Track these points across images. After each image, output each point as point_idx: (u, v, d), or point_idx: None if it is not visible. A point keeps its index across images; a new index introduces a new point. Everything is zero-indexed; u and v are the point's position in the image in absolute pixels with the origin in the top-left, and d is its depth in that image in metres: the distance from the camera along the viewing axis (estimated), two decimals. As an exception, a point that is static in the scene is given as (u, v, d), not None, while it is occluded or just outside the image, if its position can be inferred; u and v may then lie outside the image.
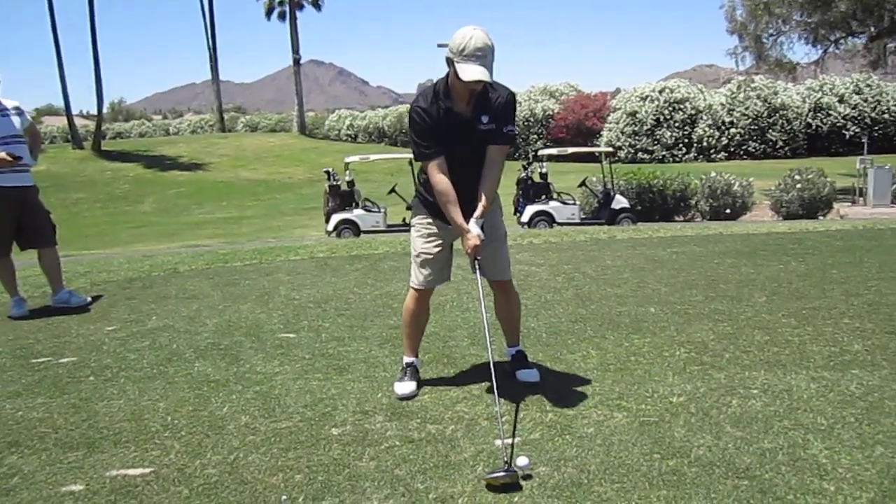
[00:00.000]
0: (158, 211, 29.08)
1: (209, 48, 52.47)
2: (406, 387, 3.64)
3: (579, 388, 3.58)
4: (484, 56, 3.24)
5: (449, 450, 2.99)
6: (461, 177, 3.43)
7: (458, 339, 4.54)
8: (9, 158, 5.48)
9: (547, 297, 5.60)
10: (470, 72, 3.22)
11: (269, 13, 50.73)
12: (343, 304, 5.63)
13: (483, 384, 3.70)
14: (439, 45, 3.52)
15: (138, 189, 33.02)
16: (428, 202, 3.61)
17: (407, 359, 3.83)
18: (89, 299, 6.10)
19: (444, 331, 4.72)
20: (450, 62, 3.30)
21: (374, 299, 5.78)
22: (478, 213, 3.42)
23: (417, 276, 3.69)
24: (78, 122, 49.07)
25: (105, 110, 53.36)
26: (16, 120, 5.73)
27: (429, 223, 3.65)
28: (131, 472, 2.94)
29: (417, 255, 3.67)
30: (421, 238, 3.67)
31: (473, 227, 3.39)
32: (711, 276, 6.10)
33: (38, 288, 6.57)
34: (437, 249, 3.64)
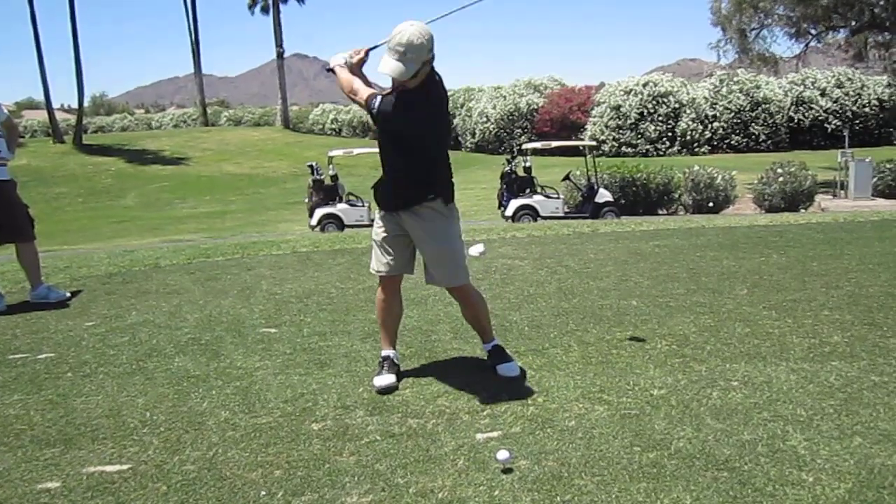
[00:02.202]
0: (141, 205, 28.83)
1: (192, 41, 52.02)
2: (383, 380, 3.63)
3: (561, 382, 3.58)
4: (403, 53, 3.30)
5: (430, 444, 2.98)
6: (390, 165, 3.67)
7: (439, 332, 4.53)
8: (-14, 152, 5.42)
9: (530, 290, 5.60)
10: (384, 64, 3.35)
11: (252, 6, 50.44)
12: (325, 299, 5.60)
13: (464, 378, 3.69)
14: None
15: (120, 183, 32.72)
16: (376, 191, 3.77)
17: (384, 352, 3.83)
18: (68, 294, 6.04)
19: (426, 325, 4.71)
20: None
21: (356, 294, 5.76)
22: None
23: (372, 262, 3.81)
24: (59, 115, 48.53)
25: (86, 104, 52.82)
26: (-8, 113, 5.66)
27: (378, 213, 3.79)
28: (108, 468, 2.90)
29: (372, 241, 3.80)
30: (375, 225, 3.80)
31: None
32: (693, 269, 6.13)
33: (17, 283, 6.49)
34: (383, 234, 3.71)
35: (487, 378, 3.69)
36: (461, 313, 3.93)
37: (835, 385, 3.41)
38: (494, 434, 3.04)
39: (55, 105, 45.15)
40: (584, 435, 2.98)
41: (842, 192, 19.55)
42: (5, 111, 5.89)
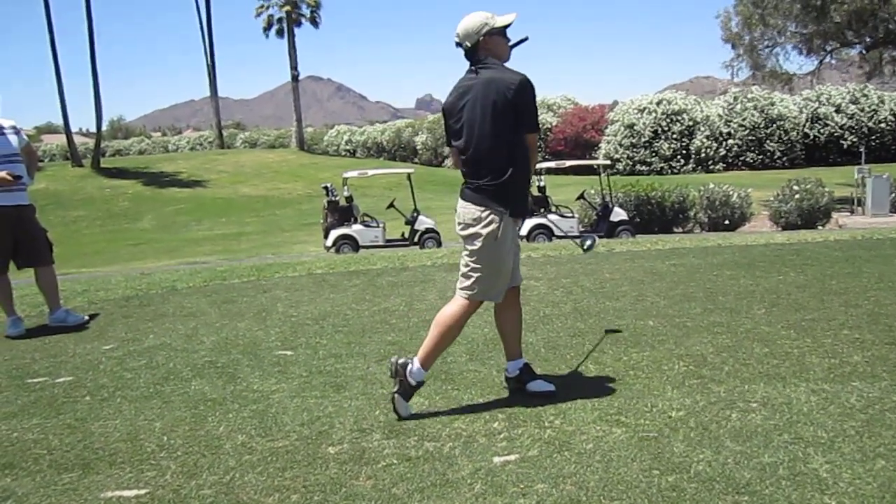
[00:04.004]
0: (157, 228, 29.10)
1: (208, 65, 52.70)
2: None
3: (578, 404, 3.56)
4: None
5: (447, 468, 2.96)
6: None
7: (455, 354, 4.52)
8: (9, 178, 5.49)
9: (545, 311, 5.58)
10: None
11: (267, 29, 50.91)
12: (341, 321, 5.61)
13: (481, 400, 3.68)
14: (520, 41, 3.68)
15: (137, 206, 33.05)
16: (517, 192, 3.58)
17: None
18: (86, 318, 6.09)
19: (442, 346, 4.69)
20: (498, 34, 3.57)
21: (371, 315, 5.76)
22: None
23: (496, 287, 3.61)
24: (77, 139, 49.18)
25: (104, 128, 53.55)
26: (13, 139, 5.74)
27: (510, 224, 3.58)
28: (126, 493, 2.91)
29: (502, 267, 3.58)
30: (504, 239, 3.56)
31: None
32: (710, 289, 6.09)
33: (36, 307, 6.55)
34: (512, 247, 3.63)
35: (504, 400, 3.67)
36: (502, 322, 3.84)
37: (856, 406, 3.37)
38: (512, 457, 3.02)
39: (73, 129, 45.88)
40: (602, 458, 2.96)
41: (859, 208, 19.43)
42: (25, 137, 5.98)
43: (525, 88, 3.45)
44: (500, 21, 3.55)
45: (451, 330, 3.59)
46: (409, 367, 3.55)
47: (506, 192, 3.49)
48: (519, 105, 3.44)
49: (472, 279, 3.55)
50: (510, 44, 3.63)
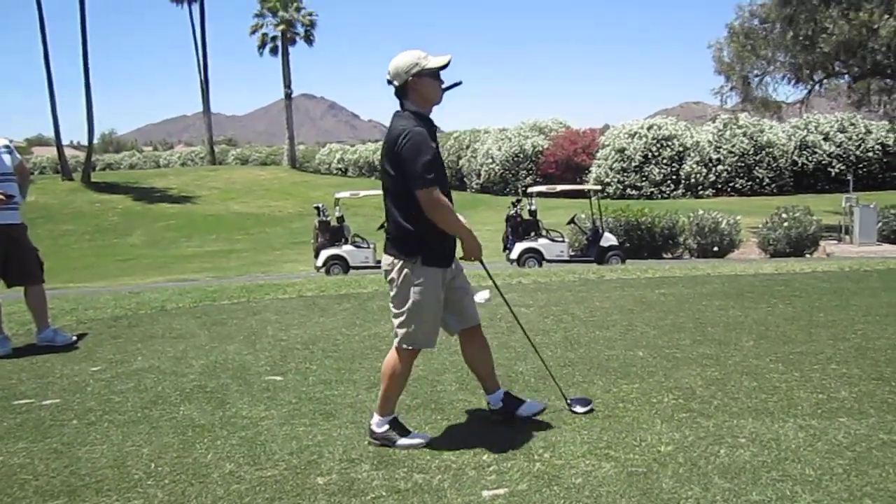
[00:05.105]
0: (147, 244, 28.97)
1: (201, 80, 52.80)
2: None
3: (567, 437, 3.56)
4: None
5: (436, 501, 2.96)
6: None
7: (445, 383, 4.52)
8: (1, 197, 5.49)
9: (535, 339, 5.57)
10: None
11: (261, 48, 51.11)
12: (331, 346, 5.60)
13: (470, 431, 3.69)
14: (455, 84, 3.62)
15: (127, 221, 32.92)
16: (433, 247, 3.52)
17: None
18: (74, 338, 6.05)
19: (432, 374, 4.70)
20: (430, 75, 3.48)
21: (361, 340, 5.76)
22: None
23: (422, 333, 3.59)
24: (68, 152, 49.00)
25: (95, 141, 53.39)
26: (6, 158, 5.75)
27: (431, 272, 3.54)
28: (113, 523, 2.89)
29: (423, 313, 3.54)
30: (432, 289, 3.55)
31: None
32: (699, 319, 6.12)
33: (23, 325, 6.51)
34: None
35: (493, 431, 3.68)
36: (471, 360, 3.86)
37: (843, 443, 3.39)
38: (501, 491, 3.02)
39: (65, 142, 45.63)
40: (591, 493, 2.96)
41: (847, 236, 19.57)
42: (18, 156, 5.97)
43: (403, 144, 3.35)
44: (433, 62, 3.46)
45: (397, 379, 3.61)
46: (372, 426, 3.60)
47: (411, 243, 3.47)
48: (400, 160, 3.38)
49: (397, 326, 3.57)
50: (443, 87, 3.54)
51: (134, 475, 3.32)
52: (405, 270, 3.48)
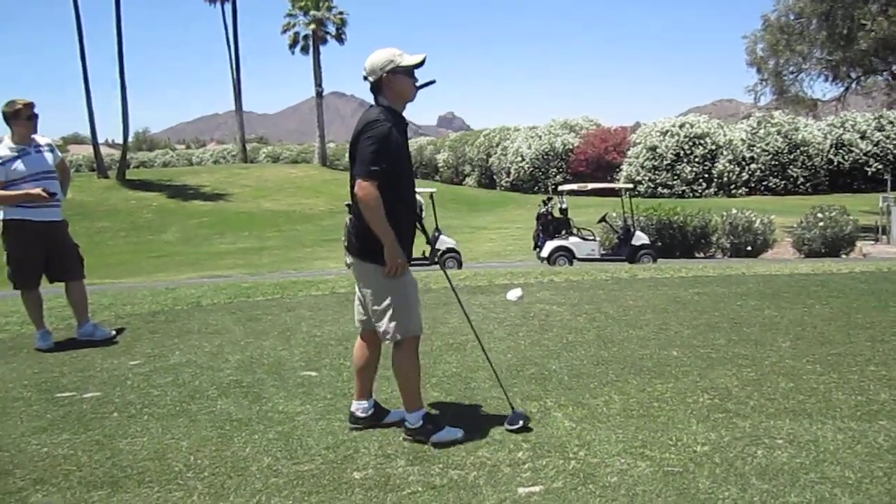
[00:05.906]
0: (181, 240, 29.38)
1: (233, 79, 53.38)
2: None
3: (602, 435, 3.56)
4: None
5: (471, 497, 2.97)
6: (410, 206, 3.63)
7: (479, 380, 4.53)
8: (45, 194, 5.61)
9: (569, 337, 5.58)
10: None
11: (292, 46, 51.43)
12: (364, 342, 5.63)
13: (504, 428, 3.69)
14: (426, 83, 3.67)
15: (161, 218, 33.40)
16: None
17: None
18: (113, 333, 6.16)
19: (466, 371, 4.72)
20: (404, 72, 3.54)
21: (395, 337, 5.78)
22: None
23: (418, 317, 3.68)
24: (103, 150, 49.77)
25: (130, 139, 54.18)
26: (49, 156, 5.87)
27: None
28: (155, 513, 2.95)
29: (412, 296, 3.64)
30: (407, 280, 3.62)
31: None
32: (734, 319, 6.07)
33: (63, 320, 6.64)
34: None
35: (527, 429, 3.68)
36: (368, 363, 3.85)
37: (883, 446, 3.34)
38: (536, 488, 3.02)
39: (100, 140, 46.34)
40: (626, 492, 2.96)
41: (884, 237, 19.24)
42: (59, 154, 6.10)
43: (366, 132, 3.42)
44: (407, 60, 3.53)
45: (410, 372, 3.66)
46: (406, 422, 3.62)
47: (374, 237, 3.47)
48: (358, 146, 3.43)
49: (387, 323, 3.58)
50: (417, 84, 3.60)
51: (174, 467, 3.38)
52: (374, 266, 3.52)
